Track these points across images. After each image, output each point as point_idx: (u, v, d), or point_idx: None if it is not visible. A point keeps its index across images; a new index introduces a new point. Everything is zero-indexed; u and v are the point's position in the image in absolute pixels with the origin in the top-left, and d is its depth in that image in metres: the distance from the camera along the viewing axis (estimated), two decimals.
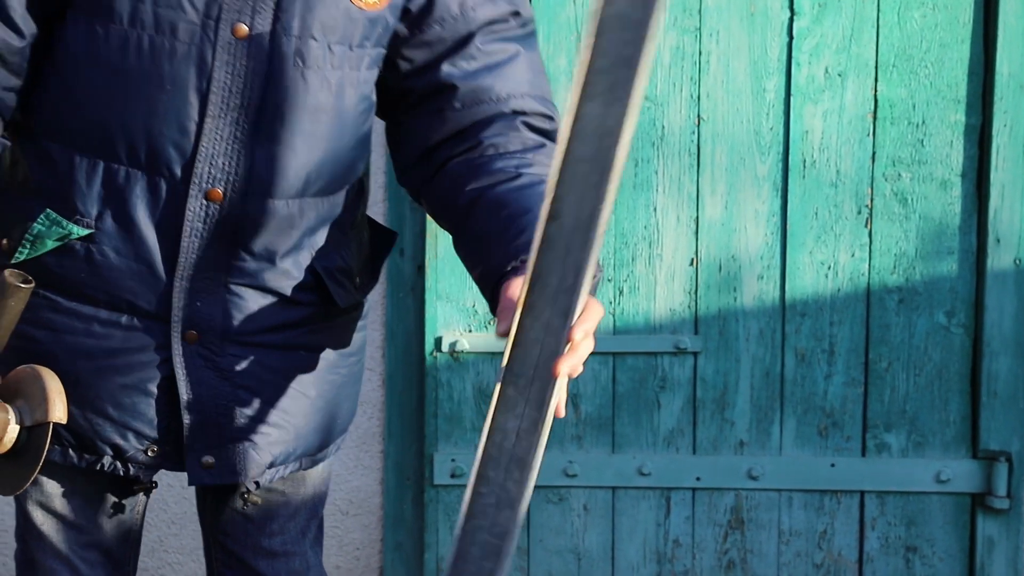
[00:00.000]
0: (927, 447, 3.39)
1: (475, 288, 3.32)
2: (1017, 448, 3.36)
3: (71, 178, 1.83)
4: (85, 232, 1.84)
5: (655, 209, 3.35)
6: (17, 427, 1.70)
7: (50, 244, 1.85)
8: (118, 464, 1.95)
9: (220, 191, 1.82)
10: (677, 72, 3.31)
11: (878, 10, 3.28)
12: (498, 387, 1.54)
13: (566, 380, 1.54)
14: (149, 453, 1.95)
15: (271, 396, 1.95)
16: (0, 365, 1.72)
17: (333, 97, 1.85)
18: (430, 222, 3.29)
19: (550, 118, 1.92)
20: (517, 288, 1.59)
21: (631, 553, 3.46)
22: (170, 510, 3.42)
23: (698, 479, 3.40)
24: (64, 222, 1.84)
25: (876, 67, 3.30)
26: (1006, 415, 3.35)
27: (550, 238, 1.51)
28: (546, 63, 3.25)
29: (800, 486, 3.41)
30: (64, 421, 1.69)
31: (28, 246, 1.86)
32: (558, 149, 1.47)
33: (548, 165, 1.81)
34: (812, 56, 3.29)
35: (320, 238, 1.94)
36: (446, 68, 1.88)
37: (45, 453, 1.69)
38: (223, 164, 1.81)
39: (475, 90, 1.88)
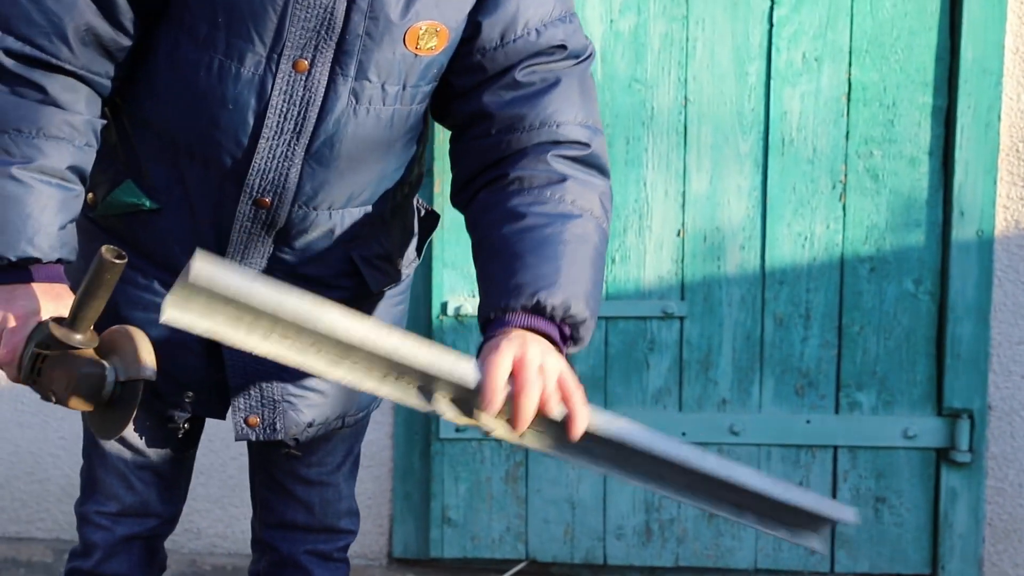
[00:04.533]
0: (895, 405, 3.46)
1: None
2: (978, 406, 3.43)
3: (148, 160, 1.98)
4: (155, 206, 1.99)
5: (645, 184, 3.42)
6: (113, 382, 1.81)
7: (123, 208, 2.01)
8: (156, 403, 2.10)
9: (268, 200, 1.93)
10: (666, 57, 3.38)
11: None
12: None
13: None
14: (186, 399, 2.10)
15: None
16: (95, 327, 1.83)
17: (382, 130, 1.93)
18: (436, 197, 3.38)
19: (585, 144, 1.91)
20: (498, 368, 1.72)
21: (622, 503, 3.53)
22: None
23: (684, 435, 3.45)
24: (140, 195, 1.99)
25: (850, 52, 3.37)
26: (968, 376, 3.42)
27: None
28: None
29: (778, 441, 3.47)
30: (154, 379, 1.80)
31: (106, 207, 2.02)
32: None
33: (566, 200, 1.86)
34: (791, 42, 3.36)
35: (361, 232, 2.03)
36: (486, 97, 1.91)
37: (137, 405, 1.80)
38: (273, 178, 1.92)
39: (510, 118, 1.89)
